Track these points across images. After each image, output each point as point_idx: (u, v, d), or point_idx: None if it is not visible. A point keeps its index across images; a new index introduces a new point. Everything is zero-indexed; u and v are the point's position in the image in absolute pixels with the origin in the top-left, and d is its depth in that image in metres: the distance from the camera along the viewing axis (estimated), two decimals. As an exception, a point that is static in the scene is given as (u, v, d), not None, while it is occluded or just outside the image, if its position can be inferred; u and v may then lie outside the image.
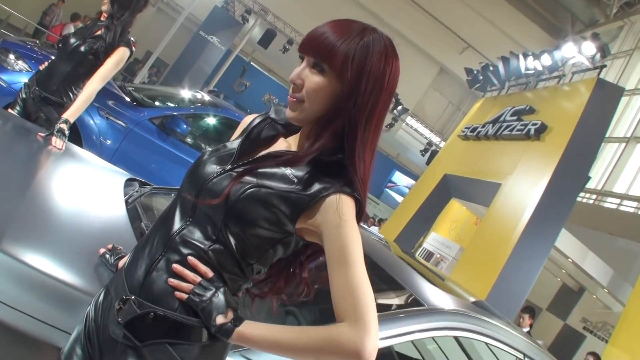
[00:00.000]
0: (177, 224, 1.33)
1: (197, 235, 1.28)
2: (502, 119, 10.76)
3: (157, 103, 6.29)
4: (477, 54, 20.30)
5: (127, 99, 5.80)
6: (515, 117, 10.32)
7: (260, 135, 1.43)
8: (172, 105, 6.42)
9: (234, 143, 1.43)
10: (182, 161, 5.75)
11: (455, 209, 13.36)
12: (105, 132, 5.38)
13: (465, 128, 12.15)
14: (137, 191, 2.86)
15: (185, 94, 7.09)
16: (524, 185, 8.75)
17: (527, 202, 8.31)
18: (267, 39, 17.86)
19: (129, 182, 3.03)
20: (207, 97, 6.96)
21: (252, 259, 1.29)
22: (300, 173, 1.26)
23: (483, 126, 11.31)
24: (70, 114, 3.05)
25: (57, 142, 2.91)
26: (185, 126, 5.61)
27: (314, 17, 20.03)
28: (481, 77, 13.08)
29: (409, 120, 20.89)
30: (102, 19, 3.38)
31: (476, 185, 10.34)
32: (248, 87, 21.60)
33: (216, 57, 16.77)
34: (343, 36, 1.24)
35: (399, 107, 18.26)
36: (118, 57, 3.25)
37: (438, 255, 12.69)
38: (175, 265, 1.27)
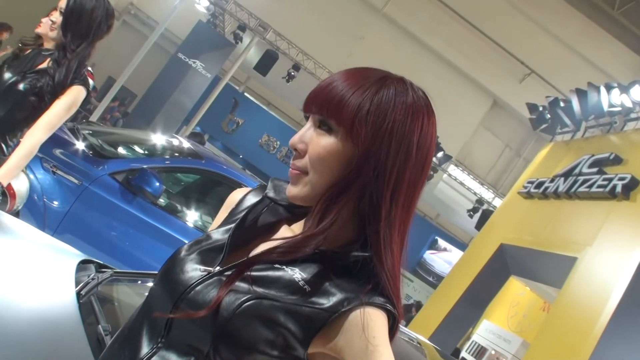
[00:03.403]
0: (143, 347, 1.29)
1: None
2: (577, 170, 10.74)
3: (120, 152, 6.31)
4: (543, 83, 20.37)
5: (81, 146, 5.83)
6: (595, 169, 10.30)
7: (257, 222, 1.41)
8: (140, 155, 6.44)
9: (220, 232, 1.40)
10: (153, 230, 5.75)
11: (515, 291, 13.24)
12: (50, 190, 5.38)
13: (528, 182, 12.14)
14: (92, 278, 2.84)
15: (158, 139, 7.13)
16: (609, 260, 8.67)
17: (615, 282, 8.21)
18: (266, 63, 18.06)
19: (82, 266, 3.01)
20: (186, 144, 7.00)
21: None
22: (310, 275, 1.24)
23: (552, 180, 11.29)
24: (4, 174, 3.03)
25: None
26: (157, 184, 5.62)
27: (327, 35, 20.30)
28: (549, 116, 13.12)
29: (452, 170, 20.89)
30: (44, 44, 3.41)
31: (544, 259, 10.26)
32: (241, 126, 21.73)
33: (200, 86, 17.06)
34: (356, 85, 1.25)
35: (440, 154, 18.27)
36: (70, 99, 3.26)
37: (493, 352, 12.50)
38: None
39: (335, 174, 1.25)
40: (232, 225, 1.39)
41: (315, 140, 1.26)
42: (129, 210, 5.69)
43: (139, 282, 3.30)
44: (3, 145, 3.30)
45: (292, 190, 1.29)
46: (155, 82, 16.79)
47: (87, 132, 6.32)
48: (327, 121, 1.25)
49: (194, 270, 1.30)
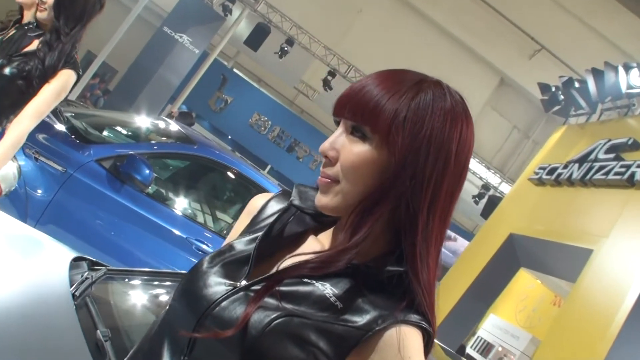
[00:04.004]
0: None
1: None
2: (593, 156, 10.74)
3: (107, 136, 6.30)
4: (554, 60, 20.25)
5: (65, 130, 5.80)
6: (612, 155, 10.30)
7: (283, 232, 1.41)
8: (128, 139, 6.42)
9: (243, 242, 1.41)
10: (142, 220, 5.73)
11: (525, 283, 13.27)
12: (33, 178, 5.36)
13: (540, 168, 12.13)
14: (86, 277, 2.84)
15: (147, 122, 7.11)
16: (627, 252, 8.70)
17: (633, 277, 8.24)
18: (257, 37, 17.95)
19: (74, 263, 3.01)
20: (177, 128, 6.98)
21: None
22: (341, 291, 1.24)
23: (565, 166, 11.30)
24: None
25: None
26: (147, 171, 5.59)
27: (323, 8, 20.25)
28: (562, 97, 13.09)
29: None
30: (29, 24, 3.39)
31: (557, 251, 10.29)
32: (229, 104, 21.63)
33: (187, 62, 16.96)
34: (391, 90, 1.25)
35: None
36: (60, 84, 3.25)
37: (500, 349, 12.56)
38: None
39: (369, 183, 1.25)
40: (257, 235, 1.39)
41: (347, 148, 1.26)
42: (117, 199, 5.67)
43: (137, 280, 3.31)
44: (-12, 134, 3.29)
45: (322, 200, 1.29)
46: (139, 57, 16.64)
47: (69, 114, 6.28)
48: (360, 128, 1.25)
49: (218, 284, 1.30)
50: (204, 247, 5.84)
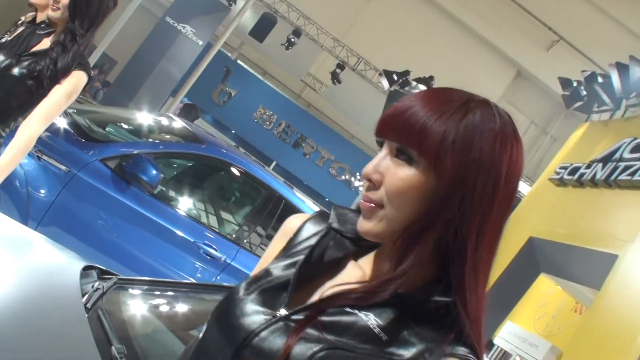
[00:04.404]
0: None
1: None
2: (617, 155, 10.67)
3: (111, 134, 6.29)
4: (573, 51, 20.17)
5: (69, 127, 5.81)
6: (638, 154, 10.25)
7: (323, 258, 1.41)
8: (134, 138, 6.42)
9: (280, 267, 1.40)
10: (147, 222, 5.77)
11: (544, 289, 13.22)
12: (35, 177, 5.38)
13: (561, 168, 12.08)
14: (97, 288, 2.83)
15: (153, 119, 7.12)
16: (654, 258, 8.63)
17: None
18: (262, 28, 17.99)
19: (85, 273, 3.01)
20: (183, 125, 6.98)
21: None
22: (386, 322, 1.23)
23: (588, 166, 11.23)
24: None
25: None
26: (154, 171, 5.60)
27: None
28: (584, 92, 13.05)
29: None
30: (40, 23, 3.39)
31: (579, 256, 10.24)
32: (233, 97, 21.58)
33: (190, 54, 16.97)
34: (438, 111, 1.24)
35: None
36: (71, 86, 3.25)
37: (518, 358, 12.52)
38: None
39: (415, 208, 1.24)
40: (295, 260, 1.39)
41: (392, 171, 1.25)
42: (122, 201, 5.69)
43: (145, 290, 3.30)
44: (-6, 136, 3.28)
45: (366, 226, 1.28)
46: (140, 49, 16.68)
47: (72, 110, 6.28)
48: (406, 150, 1.24)
49: (256, 313, 1.29)
50: (212, 251, 5.86)
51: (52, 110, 3.19)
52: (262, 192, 6.47)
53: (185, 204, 6.33)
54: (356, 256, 1.41)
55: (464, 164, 1.22)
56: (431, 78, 15.47)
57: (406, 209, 1.24)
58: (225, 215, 6.69)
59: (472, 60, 20.75)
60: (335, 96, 20.08)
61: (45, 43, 3.34)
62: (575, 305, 12.75)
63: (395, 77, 15.90)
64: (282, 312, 1.28)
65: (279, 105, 21.73)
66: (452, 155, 1.22)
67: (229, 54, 22.18)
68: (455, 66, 19.93)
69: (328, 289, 1.31)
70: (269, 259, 1.47)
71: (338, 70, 18.19)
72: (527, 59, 21.60)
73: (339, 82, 18.21)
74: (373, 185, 1.26)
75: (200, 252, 5.81)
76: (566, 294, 13.01)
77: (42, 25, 3.44)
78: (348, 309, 1.25)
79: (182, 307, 3.46)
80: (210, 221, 6.39)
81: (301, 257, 1.39)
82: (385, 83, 16.37)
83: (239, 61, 22.65)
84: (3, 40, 3.36)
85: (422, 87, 15.41)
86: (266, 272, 1.39)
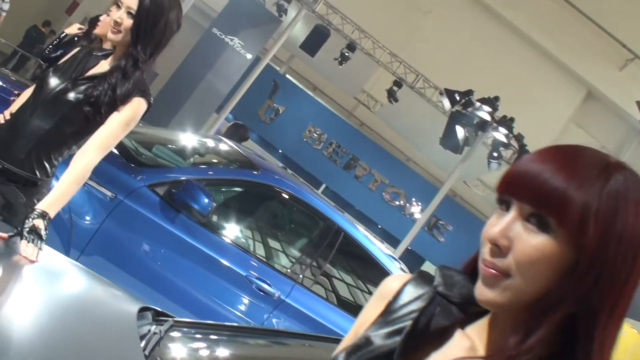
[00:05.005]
0: None
1: None
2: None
3: (160, 157, 6.32)
4: (650, 71, 19.99)
5: (114, 149, 5.82)
6: None
7: (429, 326, 1.38)
8: (184, 162, 6.44)
9: (381, 335, 1.39)
10: (197, 253, 5.77)
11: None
12: (79, 203, 5.40)
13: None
14: (155, 332, 2.82)
15: (203, 142, 7.15)
16: None
17: None
18: (314, 41, 17.91)
19: (141, 314, 3.00)
20: (235, 148, 7.00)
21: None
22: None
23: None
24: (51, 203, 2.97)
25: (27, 249, 2.74)
26: (206, 200, 5.60)
27: (388, 8, 20.15)
28: (665, 117, 12.91)
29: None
30: (103, 45, 3.40)
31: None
32: (281, 114, 21.54)
33: (238, 69, 16.98)
34: (577, 176, 1.21)
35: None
36: (130, 114, 3.24)
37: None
38: None
39: (547, 281, 1.21)
40: (396, 328, 1.38)
41: (524, 238, 1.22)
42: (171, 230, 5.71)
43: (204, 334, 3.29)
44: (47, 166, 3.29)
45: (487, 295, 1.25)
46: (185, 62, 16.61)
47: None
48: (543, 217, 1.21)
49: None
50: (265, 286, 5.83)
51: (109, 139, 3.18)
52: (320, 224, 6.44)
53: (236, 234, 6.31)
54: (462, 323, 1.39)
55: (606, 236, 1.19)
56: (496, 99, 15.35)
57: (537, 281, 1.21)
58: (279, 247, 6.66)
59: (539, 79, 20.61)
60: (391, 115, 19.96)
61: (103, 66, 3.34)
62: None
63: (458, 97, 15.75)
64: None
65: (329, 124, 21.61)
66: (595, 226, 1.18)
67: (277, 68, 22.15)
68: (521, 85, 19.79)
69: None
70: (366, 323, 1.46)
71: (395, 88, 18.04)
72: (599, 78, 21.34)
73: (396, 100, 18.08)
74: (499, 250, 1.24)
75: (252, 287, 5.80)
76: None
77: (99, 47, 3.46)
78: None
79: (240, 353, 3.45)
80: (262, 253, 6.36)
81: (404, 325, 1.38)
82: (446, 103, 16.20)
83: (287, 75, 22.63)
84: (55, 57, 3.37)
85: (487, 108, 15.32)
86: (367, 341, 1.38)
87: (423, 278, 1.48)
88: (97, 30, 3.38)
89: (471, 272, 1.36)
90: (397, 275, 1.53)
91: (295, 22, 18.09)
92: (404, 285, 1.47)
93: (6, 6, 15.29)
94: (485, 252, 1.26)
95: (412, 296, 1.43)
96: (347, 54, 18.02)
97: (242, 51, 16.72)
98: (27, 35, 18.14)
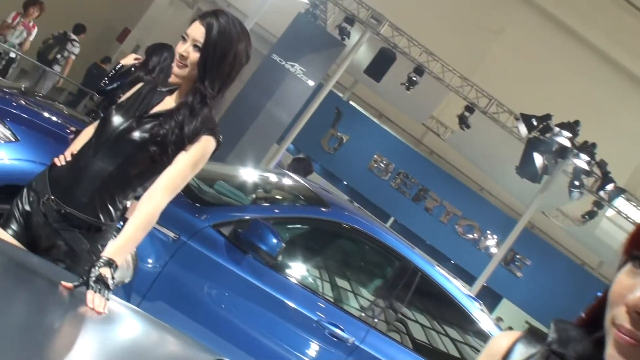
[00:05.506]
0: None
1: None
2: None
3: (224, 196, 6.30)
4: None
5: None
6: None
7: None
8: (247, 199, 6.42)
9: None
10: (265, 297, 5.72)
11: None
12: (140, 246, 5.33)
13: None
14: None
15: (268, 178, 7.13)
16: None
17: None
18: (380, 65, 17.86)
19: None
20: (301, 184, 6.97)
21: None
22: None
23: None
24: (117, 249, 2.94)
25: (95, 299, 2.69)
26: (275, 240, 5.56)
27: (457, 29, 20.11)
28: None
29: (620, 203, 19.99)
30: (172, 81, 3.37)
31: None
32: (345, 144, 21.58)
33: (300, 96, 16.98)
34: None
35: (608, 186, 17.04)
36: (199, 154, 3.20)
37: None
38: None
39: None
40: None
41: None
42: (237, 273, 5.66)
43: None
44: (112, 209, 3.25)
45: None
46: (244, 90, 16.51)
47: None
48: None
49: None
50: (338, 331, 5.76)
51: (177, 180, 3.13)
52: (395, 264, 6.36)
53: (305, 275, 6.25)
54: None
55: None
56: (577, 123, 15.13)
57: None
58: (350, 288, 6.58)
59: (619, 100, 20.36)
60: (463, 142, 19.79)
61: (169, 103, 3.31)
62: None
63: (535, 122, 15.54)
64: None
65: (397, 153, 21.57)
66: None
67: (340, 95, 22.16)
68: (602, 109, 19.57)
69: None
70: None
71: (467, 114, 17.80)
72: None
73: (468, 126, 17.86)
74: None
75: (324, 333, 5.72)
76: None
77: (164, 82, 3.43)
78: None
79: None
80: (334, 295, 6.28)
81: None
82: (522, 129, 16.00)
83: (351, 102, 22.65)
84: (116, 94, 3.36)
85: (566, 134, 15.11)
86: None
87: (534, 335, 1.45)
88: (174, 79, 3.33)
89: (588, 325, 1.33)
90: (506, 333, 1.51)
91: (359, 45, 18.08)
92: (514, 343, 1.44)
93: (76, 50, 16.33)
94: (622, 317, 1.20)
95: (524, 356, 1.41)
96: (414, 79, 17.86)
97: (303, 78, 16.72)
98: (89, 74, 18.54)
